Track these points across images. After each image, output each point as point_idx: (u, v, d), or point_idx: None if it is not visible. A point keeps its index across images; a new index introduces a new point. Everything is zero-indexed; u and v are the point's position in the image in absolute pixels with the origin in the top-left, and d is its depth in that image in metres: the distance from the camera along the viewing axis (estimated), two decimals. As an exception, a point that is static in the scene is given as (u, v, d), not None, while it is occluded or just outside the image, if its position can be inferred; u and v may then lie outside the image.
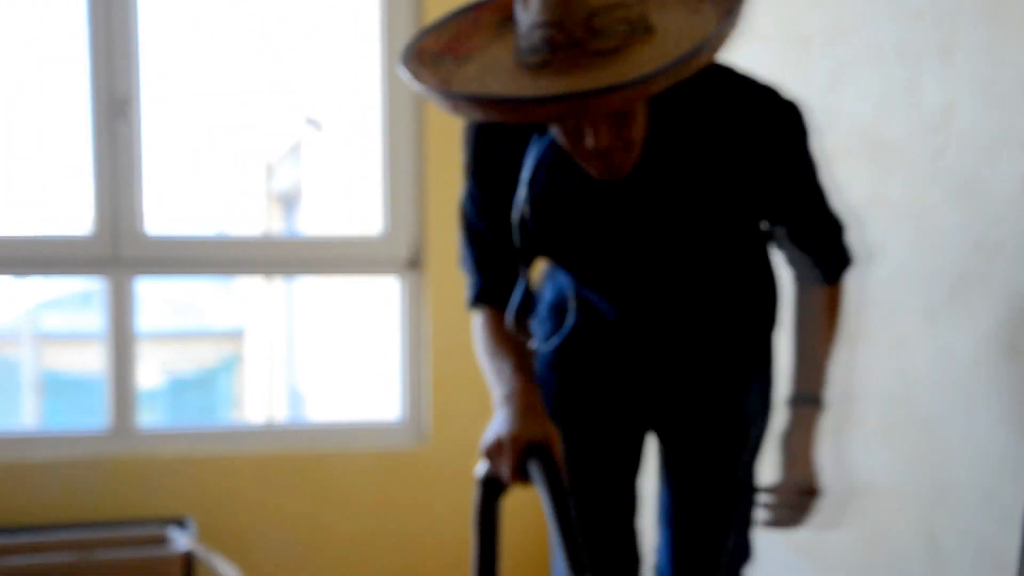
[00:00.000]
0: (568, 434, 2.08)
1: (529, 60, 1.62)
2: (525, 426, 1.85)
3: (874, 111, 2.54)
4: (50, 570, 3.18)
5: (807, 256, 2.14)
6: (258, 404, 10.30)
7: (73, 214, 4.03)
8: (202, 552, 3.40)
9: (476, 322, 2.11)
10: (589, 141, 1.70)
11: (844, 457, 2.60)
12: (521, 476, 1.84)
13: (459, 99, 1.64)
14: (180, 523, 3.56)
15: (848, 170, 2.61)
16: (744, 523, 2.23)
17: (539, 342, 2.23)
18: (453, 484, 3.80)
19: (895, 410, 2.51)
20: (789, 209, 2.06)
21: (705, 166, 1.91)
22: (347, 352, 7.60)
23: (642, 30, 1.62)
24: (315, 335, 8.86)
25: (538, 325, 2.28)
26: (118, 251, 3.93)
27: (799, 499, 2.16)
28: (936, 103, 2.35)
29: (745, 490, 2.21)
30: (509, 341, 2.04)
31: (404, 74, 1.70)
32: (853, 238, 2.19)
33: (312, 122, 8.39)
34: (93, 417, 4.08)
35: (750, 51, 1.83)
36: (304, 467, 3.94)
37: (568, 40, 1.58)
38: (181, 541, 3.40)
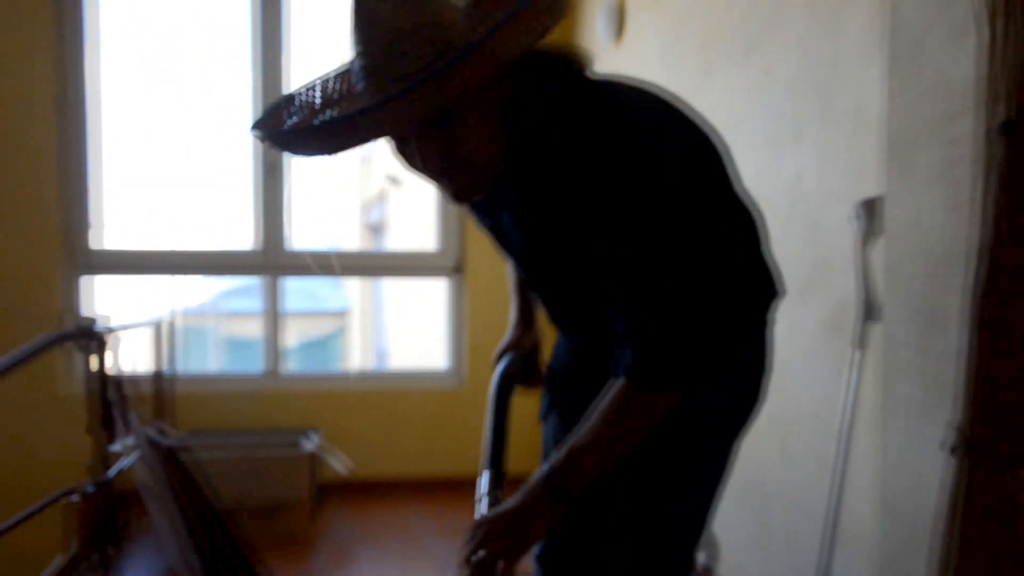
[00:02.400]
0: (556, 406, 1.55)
1: (354, 87, 1.09)
2: (510, 341, 1.60)
3: (754, 177, 2.54)
4: (226, 461, 3.19)
5: (618, 336, 1.17)
6: (357, 358, 10.33)
7: (242, 236, 4.05)
8: (322, 451, 3.42)
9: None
10: (417, 163, 1.12)
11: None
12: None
13: (267, 138, 1.10)
14: (308, 433, 3.58)
15: (735, 214, 2.61)
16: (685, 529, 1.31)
17: None
18: (481, 412, 3.84)
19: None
20: (608, 277, 1.15)
21: (552, 214, 1.17)
22: (414, 325, 7.62)
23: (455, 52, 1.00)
24: (394, 314, 8.90)
25: None
26: (271, 260, 3.95)
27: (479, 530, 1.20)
28: (791, 173, 2.34)
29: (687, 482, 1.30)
30: (518, 290, 1.61)
31: (252, 126, 1.14)
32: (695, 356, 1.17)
33: (392, 178, 8.42)
34: (254, 365, 4.11)
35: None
36: (386, 398, 3.96)
37: (373, 65, 1.02)
38: (308, 444, 3.42)
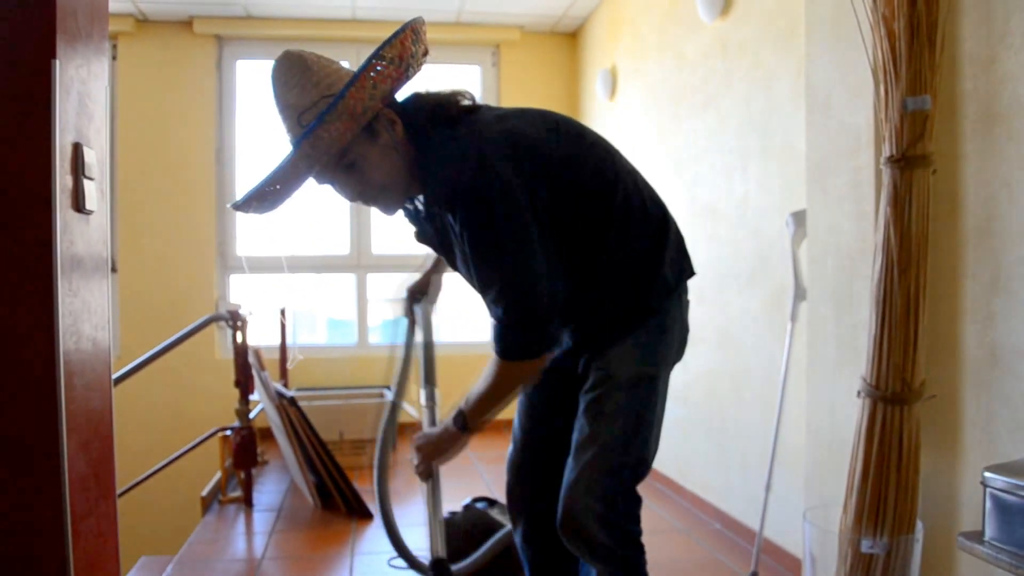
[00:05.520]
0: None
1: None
2: (416, 281, 1.60)
3: (712, 196, 2.55)
4: (327, 408, 3.23)
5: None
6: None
7: (340, 244, 4.12)
8: (397, 400, 3.47)
9: None
10: (342, 194, 1.11)
11: (692, 360, 2.54)
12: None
13: (236, 208, 1.11)
14: (388, 388, 3.63)
15: (701, 225, 2.59)
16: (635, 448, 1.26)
17: None
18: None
19: (722, 335, 2.49)
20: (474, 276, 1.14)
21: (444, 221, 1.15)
22: (462, 308, 7.63)
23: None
24: (452, 298, 8.90)
25: None
26: (360, 261, 4.02)
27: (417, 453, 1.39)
28: (740, 193, 2.34)
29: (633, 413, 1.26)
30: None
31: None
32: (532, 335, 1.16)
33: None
34: (349, 339, 4.19)
35: (650, 167, 1.64)
36: (443, 362, 3.93)
37: (293, 138, 1.04)
38: (388, 396, 3.46)
